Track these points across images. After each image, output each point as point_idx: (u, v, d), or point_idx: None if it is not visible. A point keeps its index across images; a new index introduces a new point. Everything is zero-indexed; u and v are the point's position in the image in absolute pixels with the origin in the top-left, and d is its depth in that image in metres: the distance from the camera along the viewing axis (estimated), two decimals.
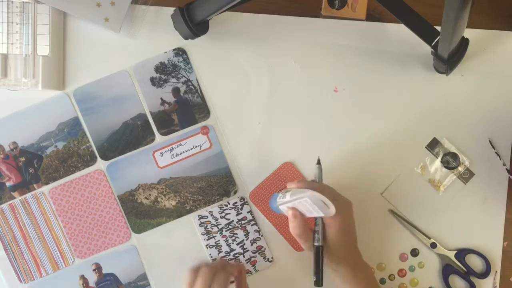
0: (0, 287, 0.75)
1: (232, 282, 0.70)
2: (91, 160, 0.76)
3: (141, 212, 0.76)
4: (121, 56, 0.76)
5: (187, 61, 0.77)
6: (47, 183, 0.76)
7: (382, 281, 0.77)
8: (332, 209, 0.61)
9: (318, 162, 0.68)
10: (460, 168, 0.76)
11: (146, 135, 0.76)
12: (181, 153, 0.76)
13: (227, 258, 0.76)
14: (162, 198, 0.76)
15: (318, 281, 0.65)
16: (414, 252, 0.76)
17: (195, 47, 0.77)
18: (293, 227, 0.65)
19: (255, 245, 0.76)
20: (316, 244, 0.65)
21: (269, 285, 0.77)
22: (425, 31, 0.69)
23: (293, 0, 0.77)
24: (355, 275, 0.67)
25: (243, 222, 0.76)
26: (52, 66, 0.75)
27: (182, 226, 0.76)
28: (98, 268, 0.76)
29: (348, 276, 0.67)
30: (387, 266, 0.77)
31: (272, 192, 0.76)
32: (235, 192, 0.77)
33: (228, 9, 0.69)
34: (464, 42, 0.69)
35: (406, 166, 0.76)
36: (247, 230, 0.76)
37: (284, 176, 0.76)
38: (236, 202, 0.76)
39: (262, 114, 0.77)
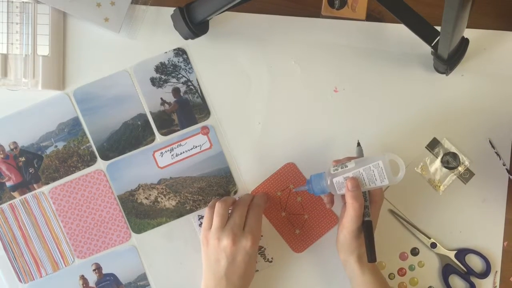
0: (0, 287, 0.75)
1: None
2: (91, 160, 0.76)
3: (141, 212, 0.76)
4: (121, 56, 0.76)
5: (187, 61, 0.77)
6: (47, 183, 0.76)
7: None
8: (401, 174, 0.64)
9: (358, 144, 0.70)
10: (460, 168, 0.76)
11: (146, 135, 0.76)
12: (181, 153, 0.76)
13: None
14: (162, 198, 0.76)
15: (373, 256, 0.65)
16: (414, 251, 0.76)
17: (195, 47, 0.77)
18: (357, 196, 0.64)
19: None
20: (366, 219, 0.67)
21: (269, 286, 0.77)
22: (425, 31, 0.69)
23: (293, 0, 0.77)
24: (363, 271, 0.68)
25: None
26: (52, 66, 0.75)
27: (182, 226, 0.76)
28: (98, 268, 0.76)
29: (357, 267, 0.68)
30: (387, 265, 0.77)
31: (275, 192, 0.76)
32: (235, 192, 0.77)
33: (228, 9, 0.69)
34: (464, 42, 0.69)
35: (406, 166, 0.76)
36: None
37: (286, 177, 0.76)
38: None
39: (262, 114, 0.77)
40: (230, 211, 0.71)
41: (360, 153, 0.69)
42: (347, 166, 0.66)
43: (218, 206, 0.69)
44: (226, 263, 0.68)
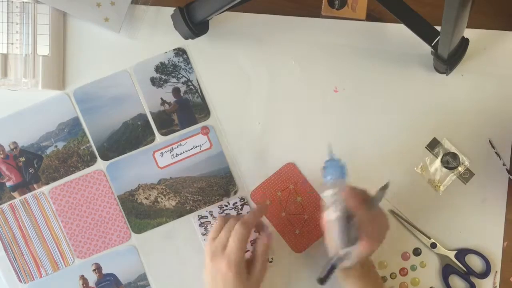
0: (0, 287, 0.75)
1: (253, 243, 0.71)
2: (91, 160, 0.76)
3: (141, 212, 0.76)
4: (121, 56, 0.76)
5: (187, 61, 0.77)
6: (47, 183, 0.76)
7: (383, 279, 0.77)
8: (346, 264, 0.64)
9: (384, 187, 0.65)
10: (460, 168, 0.76)
11: (146, 135, 0.76)
12: (181, 153, 0.76)
13: None
14: (162, 198, 0.76)
15: (324, 281, 0.64)
16: (417, 251, 0.76)
17: (195, 47, 0.77)
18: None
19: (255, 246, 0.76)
20: (333, 262, 0.64)
21: (269, 286, 0.77)
22: (425, 31, 0.69)
23: (293, 0, 0.77)
24: (363, 275, 0.67)
25: None
26: (52, 66, 0.75)
27: (182, 226, 0.76)
28: (98, 268, 0.76)
29: (356, 275, 0.67)
30: (389, 265, 0.77)
31: (275, 192, 0.76)
32: (235, 192, 0.77)
33: (228, 9, 0.69)
34: (464, 42, 0.69)
35: (406, 166, 0.77)
36: None
37: (286, 177, 0.76)
38: (236, 203, 0.76)
39: (262, 114, 0.77)
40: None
41: (380, 196, 0.65)
42: (334, 209, 0.63)
43: (221, 234, 0.67)
44: (222, 282, 0.66)
